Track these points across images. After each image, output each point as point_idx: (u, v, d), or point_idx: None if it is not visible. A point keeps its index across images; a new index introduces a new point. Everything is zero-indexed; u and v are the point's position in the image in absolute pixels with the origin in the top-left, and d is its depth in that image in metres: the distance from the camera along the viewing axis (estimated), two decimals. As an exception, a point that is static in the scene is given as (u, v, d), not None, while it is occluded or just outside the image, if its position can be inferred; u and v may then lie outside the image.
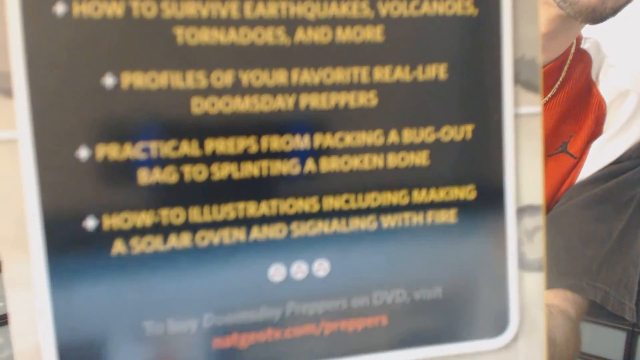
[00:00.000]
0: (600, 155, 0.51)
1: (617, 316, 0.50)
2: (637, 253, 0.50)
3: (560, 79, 0.52)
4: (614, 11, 0.44)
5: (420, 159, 0.21)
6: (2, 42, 0.17)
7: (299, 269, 0.20)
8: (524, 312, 0.22)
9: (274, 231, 0.20)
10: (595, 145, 0.51)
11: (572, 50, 0.53)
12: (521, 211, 0.22)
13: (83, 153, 0.18)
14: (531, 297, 0.22)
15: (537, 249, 0.22)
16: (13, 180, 0.18)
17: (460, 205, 0.21)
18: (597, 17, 0.44)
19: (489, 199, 0.22)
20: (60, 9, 0.17)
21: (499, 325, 0.22)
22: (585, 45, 0.55)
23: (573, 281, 0.47)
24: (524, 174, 0.22)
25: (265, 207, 0.20)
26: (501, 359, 0.22)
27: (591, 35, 0.56)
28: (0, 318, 1.12)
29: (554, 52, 0.52)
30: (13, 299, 0.18)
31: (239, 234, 0.20)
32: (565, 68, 0.53)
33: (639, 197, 0.51)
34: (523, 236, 0.22)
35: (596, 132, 0.52)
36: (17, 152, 0.18)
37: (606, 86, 0.53)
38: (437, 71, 0.21)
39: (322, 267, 0.21)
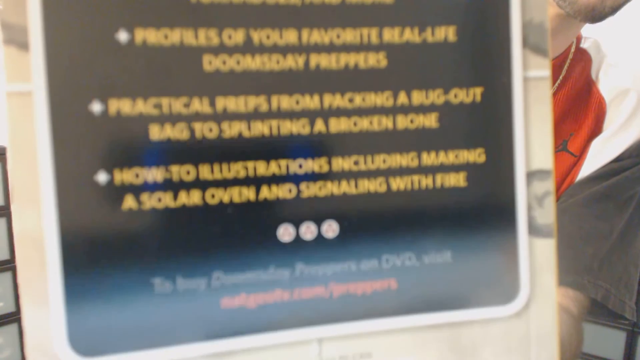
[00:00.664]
0: (600, 154, 0.51)
1: (617, 316, 0.49)
2: (638, 251, 0.50)
3: (560, 78, 0.53)
4: (613, 10, 0.44)
5: (430, 121, 0.21)
6: (19, -4, 0.18)
7: (308, 230, 0.20)
8: (534, 279, 0.22)
9: (283, 191, 0.20)
10: (595, 143, 0.52)
11: (572, 49, 0.54)
12: (531, 175, 0.22)
13: (96, 107, 0.18)
14: (542, 264, 0.22)
15: (547, 214, 0.22)
16: (27, 132, 0.18)
17: (470, 169, 0.21)
18: (596, 16, 0.44)
19: (499, 163, 0.21)
20: (76, -35, 0.18)
21: (509, 292, 0.22)
22: (585, 45, 0.55)
23: (574, 279, 0.47)
24: (534, 138, 0.22)
25: (274, 167, 0.20)
26: (512, 327, 0.22)
27: (591, 34, 0.57)
28: (0, 318, 1.12)
29: (554, 51, 0.52)
30: (23, 254, 0.18)
31: (248, 193, 0.20)
32: (565, 67, 0.53)
33: (639, 195, 0.51)
34: (533, 201, 0.22)
35: (596, 130, 0.52)
36: (31, 105, 0.18)
37: (606, 85, 0.53)
38: (446, 33, 0.21)
39: (331, 229, 0.20)
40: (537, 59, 0.22)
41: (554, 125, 0.21)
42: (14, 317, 1.20)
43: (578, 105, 0.53)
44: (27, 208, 0.18)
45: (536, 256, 0.22)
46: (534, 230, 0.22)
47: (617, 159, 0.51)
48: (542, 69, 0.22)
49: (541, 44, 0.22)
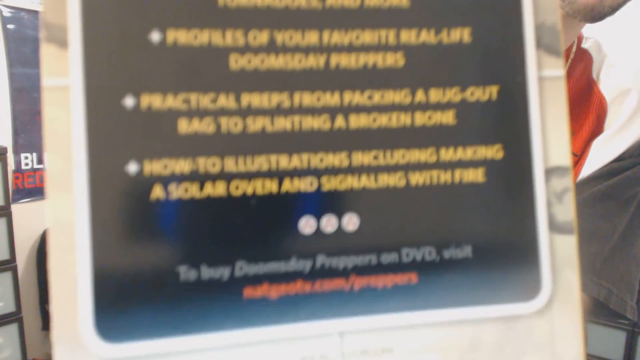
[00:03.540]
0: (601, 153, 0.51)
1: (617, 316, 0.49)
2: (639, 251, 0.49)
3: None
4: (613, 10, 0.45)
5: (447, 118, 0.21)
6: (62, -1, 0.19)
7: (329, 222, 0.21)
8: (556, 276, 0.22)
9: (305, 184, 0.21)
10: (596, 143, 0.52)
11: (573, 49, 0.54)
12: (549, 172, 0.22)
13: (129, 102, 0.19)
14: (563, 261, 0.22)
15: (567, 210, 0.22)
16: (63, 123, 0.19)
17: (488, 165, 0.22)
18: (595, 15, 0.45)
19: (517, 159, 0.22)
20: (115, -29, 0.19)
21: (531, 289, 0.22)
22: (586, 45, 0.56)
23: None
24: (551, 135, 0.22)
25: (296, 160, 0.21)
26: (535, 324, 0.22)
27: (592, 34, 0.57)
28: (0, 318, 1.12)
29: None
30: (55, 240, 0.19)
31: (271, 185, 0.20)
32: (566, 67, 0.53)
33: None
34: (552, 197, 0.22)
35: (597, 130, 0.53)
36: (68, 98, 0.19)
37: (607, 85, 0.54)
38: (461, 35, 0.22)
39: (351, 222, 0.21)
40: (550, 59, 0.22)
41: None
42: (14, 317, 1.19)
43: (579, 105, 0.53)
44: (60, 196, 0.19)
45: (557, 253, 0.22)
46: (555, 227, 0.22)
47: (618, 159, 0.51)
48: (556, 69, 0.22)
49: (554, 45, 0.22)
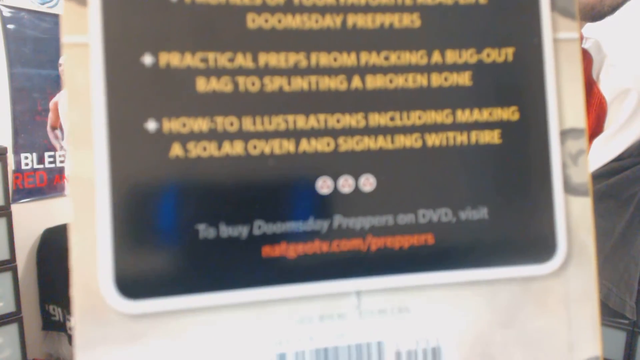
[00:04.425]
0: (601, 153, 0.52)
1: (617, 315, 0.49)
2: (638, 250, 0.50)
3: None
4: (613, 9, 0.45)
5: (463, 79, 0.22)
6: (80, -44, 0.19)
7: (346, 183, 0.21)
8: (572, 238, 0.22)
9: (322, 144, 0.21)
10: (596, 143, 0.52)
11: None
12: (564, 134, 0.22)
13: (147, 59, 0.19)
14: (579, 223, 0.22)
15: (582, 172, 0.22)
16: (82, 80, 0.19)
17: (504, 126, 0.22)
18: (595, 15, 0.45)
19: (532, 121, 0.22)
20: None
21: (547, 250, 0.22)
22: (586, 45, 0.56)
23: None
24: (566, 98, 0.22)
25: (313, 121, 0.21)
26: (551, 286, 0.22)
27: (592, 34, 0.57)
28: (0, 318, 1.12)
29: None
30: (75, 195, 0.19)
31: (288, 145, 0.20)
32: None
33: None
34: (567, 159, 0.22)
35: (597, 130, 0.53)
36: (87, 55, 0.19)
37: (607, 85, 0.54)
38: (477, -5, 0.22)
39: (368, 182, 0.21)
40: (565, 21, 0.22)
41: None
42: (13, 317, 1.19)
43: None
44: (80, 151, 0.19)
45: (573, 215, 0.22)
46: (570, 188, 0.22)
47: (618, 158, 0.51)
48: (571, 31, 0.22)
49: (569, 7, 0.22)
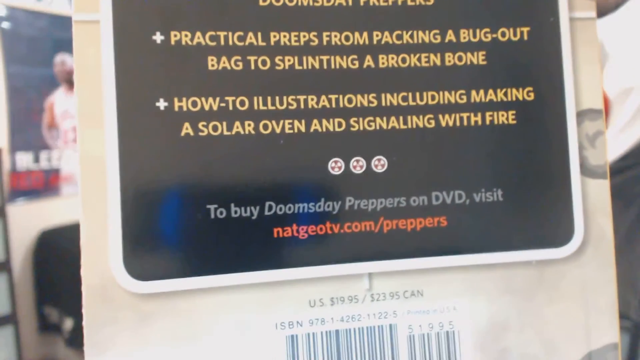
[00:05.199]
0: None
1: (620, 316, 0.49)
2: None
3: None
4: (616, 6, 0.45)
5: (477, 58, 0.21)
6: None
7: (358, 164, 0.20)
8: (589, 221, 0.21)
9: (333, 125, 0.20)
10: None
11: None
12: (581, 115, 0.22)
13: (158, 38, 0.19)
14: (596, 205, 0.22)
15: (599, 154, 0.22)
16: (93, 58, 0.19)
17: (519, 107, 0.21)
18: (598, 12, 0.45)
19: (548, 101, 0.21)
20: None
21: (563, 233, 0.21)
22: None
23: None
24: (583, 78, 0.22)
25: (325, 101, 0.20)
26: (567, 270, 0.21)
27: None
28: None
29: None
30: (86, 172, 0.19)
31: (300, 125, 0.20)
32: None
33: None
34: (584, 140, 0.22)
35: None
36: (98, 33, 0.19)
37: (610, 83, 0.54)
38: (491, -26, 0.21)
39: (380, 163, 0.21)
40: (582, 0, 0.22)
41: None
42: (9, 320, 1.17)
43: None
44: (90, 130, 0.19)
45: (590, 198, 0.22)
46: (587, 170, 0.22)
47: (622, 157, 0.51)
48: (588, 10, 0.22)
49: (587, -15, 0.22)
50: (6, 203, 1.23)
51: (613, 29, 0.56)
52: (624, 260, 0.48)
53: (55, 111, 1.41)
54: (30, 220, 1.35)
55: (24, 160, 1.37)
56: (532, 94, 0.21)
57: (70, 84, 1.39)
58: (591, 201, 0.22)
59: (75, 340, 1.17)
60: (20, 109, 1.37)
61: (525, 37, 0.21)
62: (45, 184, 1.40)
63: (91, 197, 0.19)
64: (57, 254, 1.23)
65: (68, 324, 1.19)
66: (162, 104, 0.19)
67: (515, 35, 0.21)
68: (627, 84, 0.53)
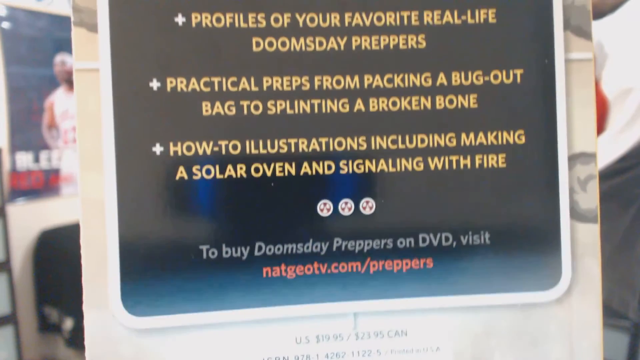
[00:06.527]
0: (604, 153, 0.50)
1: (620, 316, 0.48)
2: None
3: None
4: (614, 8, 0.43)
5: (469, 101, 0.21)
6: (91, -16, 0.20)
7: (346, 206, 0.21)
8: (577, 265, 0.22)
9: (323, 167, 0.21)
10: (598, 142, 0.51)
11: None
12: (573, 158, 0.22)
13: (155, 84, 0.20)
14: (585, 250, 0.22)
15: (590, 198, 0.22)
16: (93, 105, 0.20)
17: (510, 150, 0.21)
18: (596, 13, 0.44)
19: (540, 145, 0.21)
20: (141, -44, 0.20)
21: (551, 277, 0.22)
22: None
23: None
24: (576, 120, 0.21)
25: (315, 144, 0.21)
26: (553, 313, 0.22)
27: (594, 34, 0.55)
28: None
29: None
30: (86, 215, 0.20)
31: (290, 168, 0.21)
32: None
33: None
34: (576, 185, 0.22)
35: (599, 130, 0.51)
36: (97, 81, 0.20)
37: (609, 84, 0.53)
38: (486, 15, 0.21)
39: (368, 206, 0.21)
40: (579, 41, 0.21)
41: None
42: (9, 320, 1.17)
43: None
44: (91, 173, 0.20)
45: (579, 242, 0.22)
46: (577, 215, 0.22)
47: (621, 158, 0.50)
48: (584, 52, 0.22)
49: (584, 26, 0.21)
50: (6, 203, 1.21)
51: (612, 29, 0.55)
52: (623, 261, 0.48)
53: (55, 111, 1.39)
54: (30, 220, 1.34)
55: (24, 160, 1.35)
56: (523, 137, 0.21)
57: (70, 84, 1.38)
58: (580, 245, 0.22)
59: (75, 340, 1.18)
60: (20, 109, 1.34)
61: (519, 80, 0.21)
62: (45, 184, 1.39)
63: (91, 239, 0.20)
64: (57, 254, 1.23)
65: (68, 324, 1.20)
66: (158, 148, 0.20)
67: (508, 77, 0.21)
68: (626, 85, 0.52)
